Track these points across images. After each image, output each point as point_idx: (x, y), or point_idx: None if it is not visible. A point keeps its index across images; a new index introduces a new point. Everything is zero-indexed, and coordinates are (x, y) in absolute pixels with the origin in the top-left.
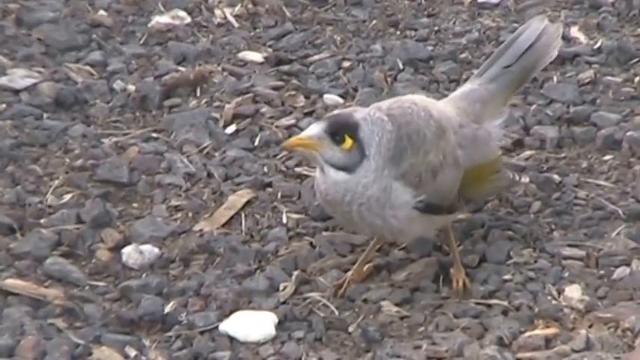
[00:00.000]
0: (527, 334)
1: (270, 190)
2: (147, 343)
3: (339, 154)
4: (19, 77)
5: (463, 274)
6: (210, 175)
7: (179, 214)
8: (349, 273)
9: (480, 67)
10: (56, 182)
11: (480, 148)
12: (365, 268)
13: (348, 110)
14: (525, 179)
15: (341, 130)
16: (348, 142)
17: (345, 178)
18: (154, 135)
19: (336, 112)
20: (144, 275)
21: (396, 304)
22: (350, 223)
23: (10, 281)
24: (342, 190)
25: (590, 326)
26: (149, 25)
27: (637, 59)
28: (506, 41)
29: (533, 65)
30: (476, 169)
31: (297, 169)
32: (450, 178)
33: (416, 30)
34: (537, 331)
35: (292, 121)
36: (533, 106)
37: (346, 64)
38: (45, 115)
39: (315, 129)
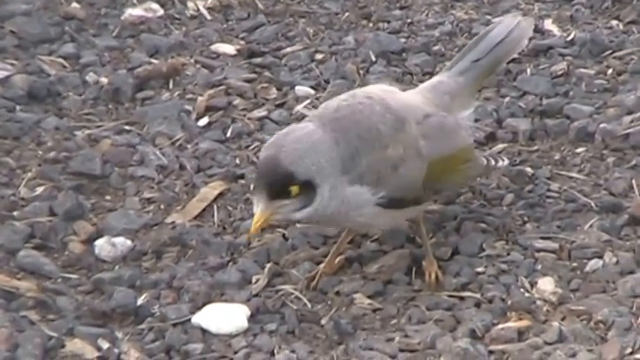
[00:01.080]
0: (500, 326)
1: (242, 181)
2: (119, 335)
3: (293, 203)
4: None
5: (435, 266)
6: (182, 167)
7: (151, 207)
8: (321, 265)
9: (451, 59)
10: (29, 175)
11: (448, 138)
12: (337, 260)
13: (273, 155)
14: (504, 162)
15: (282, 189)
16: (295, 190)
17: (306, 212)
18: (127, 127)
19: (263, 159)
20: (116, 267)
21: (369, 297)
22: (319, 225)
23: None
24: (308, 219)
25: (562, 319)
26: (122, 17)
27: (610, 51)
28: (478, 36)
29: (502, 58)
30: (443, 159)
31: None
32: (412, 171)
33: (388, 22)
34: (510, 324)
35: (264, 113)
36: (507, 99)
37: (319, 56)
38: (18, 108)
39: (260, 203)
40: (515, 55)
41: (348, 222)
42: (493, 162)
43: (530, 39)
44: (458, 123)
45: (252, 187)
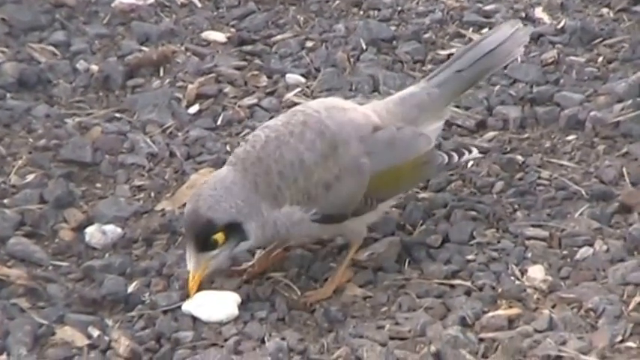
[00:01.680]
0: (490, 314)
1: None
2: (110, 322)
3: (224, 249)
4: None
5: (339, 279)
6: (172, 154)
7: (142, 194)
8: (250, 263)
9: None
10: (19, 162)
11: (399, 150)
12: (273, 254)
13: (192, 207)
14: (472, 153)
15: (206, 240)
16: (220, 237)
17: (247, 245)
18: (117, 115)
19: (186, 213)
20: (107, 255)
21: (359, 285)
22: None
23: None
24: (255, 247)
25: (553, 306)
26: (112, 5)
27: (600, 39)
28: (470, 44)
29: (489, 69)
30: (391, 171)
31: None
32: (348, 187)
33: (379, 10)
34: (500, 312)
35: (254, 101)
36: (497, 87)
37: (309, 44)
38: (8, 95)
39: (192, 259)
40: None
41: (295, 237)
42: (456, 157)
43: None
44: (415, 133)
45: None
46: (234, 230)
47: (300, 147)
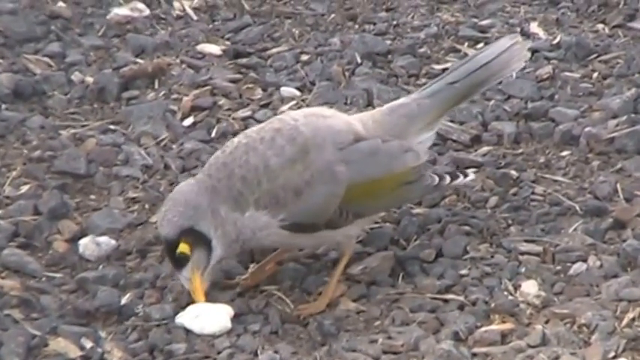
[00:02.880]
0: (483, 329)
1: None
2: (103, 334)
3: (198, 257)
4: None
5: (331, 292)
6: (167, 166)
7: (136, 206)
8: (244, 276)
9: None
10: (14, 173)
11: (381, 162)
12: (267, 268)
13: (158, 226)
14: (468, 177)
15: (174, 257)
16: (185, 249)
17: (216, 255)
18: (112, 127)
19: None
20: (100, 267)
21: (353, 299)
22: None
23: None
24: (231, 255)
25: (546, 322)
26: (108, 17)
27: (595, 55)
28: (467, 57)
29: (483, 81)
30: (371, 183)
31: None
32: (321, 195)
33: (374, 24)
34: (493, 326)
35: (249, 113)
36: (492, 102)
37: (304, 57)
38: (3, 107)
39: (180, 277)
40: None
41: (266, 242)
42: (448, 179)
43: None
44: (402, 147)
45: None
46: (195, 236)
47: (267, 152)
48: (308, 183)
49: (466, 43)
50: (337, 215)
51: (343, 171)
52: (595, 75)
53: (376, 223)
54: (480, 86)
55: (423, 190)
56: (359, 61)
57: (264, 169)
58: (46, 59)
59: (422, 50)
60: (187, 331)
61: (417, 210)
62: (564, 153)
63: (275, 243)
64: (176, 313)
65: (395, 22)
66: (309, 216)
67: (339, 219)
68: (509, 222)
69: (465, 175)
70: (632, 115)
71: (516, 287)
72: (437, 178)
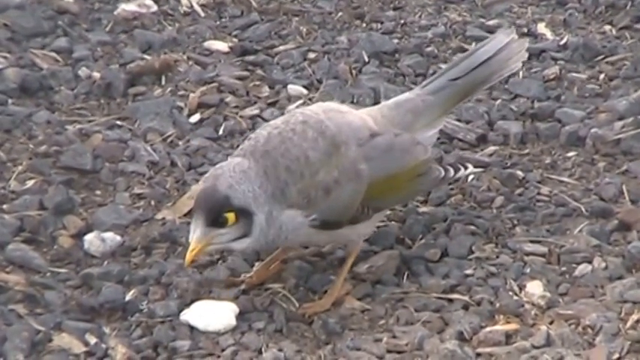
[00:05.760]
0: (488, 329)
1: None
2: (107, 330)
3: (230, 232)
4: None
5: (337, 291)
6: (173, 163)
7: (142, 203)
8: (249, 274)
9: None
10: (19, 168)
11: (396, 157)
12: (271, 266)
13: (210, 184)
14: (467, 169)
15: (218, 215)
16: (231, 218)
17: (247, 242)
18: (118, 123)
19: (201, 190)
20: (105, 263)
21: (358, 298)
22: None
23: None
24: (251, 249)
25: (550, 323)
26: (115, 12)
27: (602, 56)
28: (466, 52)
29: (484, 79)
30: (389, 179)
31: None
32: (347, 193)
33: (382, 23)
34: (498, 327)
35: (256, 111)
36: (498, 101)
37: (311, 55)
38: (10, 101)
39: (197, 230)
40: (505, 76)
41: (287, 243)
42: (452, 172)
43: None
44: (413, 141)
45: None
46: (245, 218)
47: (304, 144)
48: (336, 181)
49: (473, 43)
50: (359, 212)
51: (365, 169)
52: (602, 76)
53: (382, 221)
54: (482, 83)
55: (433, 182)
56: (366, 59)
57: (305, 161)
58: (53, 54)
59: (429, 49)
60: (192, 328)
61: (423, 209)
62: (570, 154)
63: (300, 242)
64: (180, 310)
65: (402, 21)
66: (337, 214)
67: (361, 215)
68: (515, 222)
69: (466, 167)
70: (639, 117)
71: (521, 288)
72: (443, 171)
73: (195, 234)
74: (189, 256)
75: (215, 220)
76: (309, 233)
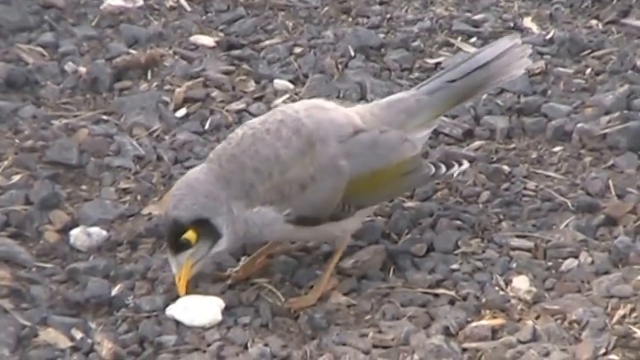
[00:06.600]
0: (474, 324)
1: None
2: (93, 325)
3: (201, 246)
4: None
5: (323, 286)
6: (159, 158)
7: (128, 197)
8: (235, 269)
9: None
10: (5, 163)
11: (381, 154)
12: (258, 261)
13: (163, 213)
14: (463, 166)
15: (177, 242)
16: (191, 235)
17: (222, 243)
18: (104, 117)
19: (160, 219)
20: (91, 258)
21: (344, 293)
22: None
23: None
24: (232, 247)
25: (536, 317)
26: (101, 7)
27: (588, 51)
28: (467, 56)
29: (482, 83)
30: (372, 175)
31: None
32: (325, 189)
33: (368, 17)
34: (484, 322)
35: (242, 106)
36: (484, 96)
37: (297, 50)
38: None
39: (172, 262)
40: (507, 82)
41: (269, 238)
42: (444, 168)
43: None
44: (400, 138)
45: None
46: (206, 228)
47: (276, 143)
48: (313, 177)
49: (459, 38)
50: (340, 208)
51: (345, 165)
52: (588, 71)
53: (368, 216)
54: (479, 87)
55: (421, 180)
56: (352, 54)
57: (275, 160)
58: (39, 49)
59: (415, 44)
60: (177, 323)
61: (409, 204)
62: (556, 149)
63: (278, 238)
64: (166, 305)
65: (388, 16)
66: (314, 210)
67: (342, 212)
68: (501, 217)
69: (460, 164)
70: (625, 112)
71: (507, 283)
72: (433, 168)
73: (173, 266)
74: (179, 287)
75: (179, 246)
76: (288, 229)
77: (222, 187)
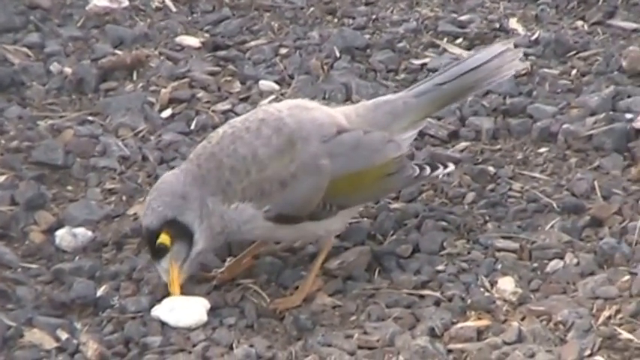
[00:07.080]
0: (459, 325)
1: None
2: (78, 326)
3: (179, 247)
4: None
5: (301, 297)
6: (145, 158)
7: (113, 198)
8: (220, 270)
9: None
10: None
11: (363, 155)
12: (243, 262)
13: (142, 216)
14: (448, 168)
15: (154, 247)
16: (165, 239)
17: (200, 242)
18: (90, 118)
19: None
20: (77, 258)
21: (329, 294)
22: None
23: None
24: (211, 244)
25: (522, 319)
26: (87, 7)
27: (574, 52)
28: (459, 59)
29: (471, 85)
30: (354, 176)
31: None
32: (305, 187)
33: (353, 18)
34: (469, 323)
35: (228, 107)
36: (470, 97)
37: (283, 50)
38: None
39: (158, 268)
40: (495, 84)
41: (250, 236)
42: (429, 170)
43: (495, 37)
44: (383, 139)
45: None
46: (177, 228)
47: (255, 142)
48: (293, 175)
49: (445, 39)
50: (320, 207)
51: (327, 164)
52: (574, 72)
53: (354, 217)
54: (468, 90)
55: (405, 181)
56: (338, 55)
57: (252, 158)
58: (25, 49)
59: (401, 45)
60: (163, 324)
61: (395, 205)
62: (542, 150)
63: (258, 236)
64: (152, 306)
65: (374, 17)
66: (293, 207)
67: (323, 211)
68: (487, 218)
69: (445, 166)
70: (611, 113)
71: (493, 284)
72: (417, 169)
73: (160, 273)
74: (171, 290)
75: (158, 252)
76: (268, 227)
77: (199, 185)
